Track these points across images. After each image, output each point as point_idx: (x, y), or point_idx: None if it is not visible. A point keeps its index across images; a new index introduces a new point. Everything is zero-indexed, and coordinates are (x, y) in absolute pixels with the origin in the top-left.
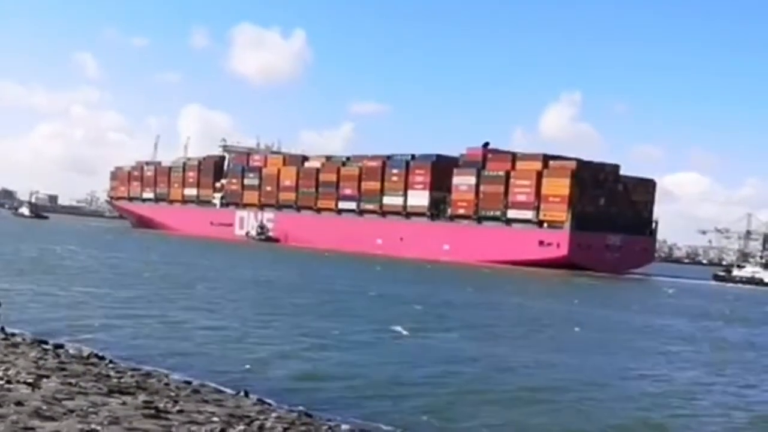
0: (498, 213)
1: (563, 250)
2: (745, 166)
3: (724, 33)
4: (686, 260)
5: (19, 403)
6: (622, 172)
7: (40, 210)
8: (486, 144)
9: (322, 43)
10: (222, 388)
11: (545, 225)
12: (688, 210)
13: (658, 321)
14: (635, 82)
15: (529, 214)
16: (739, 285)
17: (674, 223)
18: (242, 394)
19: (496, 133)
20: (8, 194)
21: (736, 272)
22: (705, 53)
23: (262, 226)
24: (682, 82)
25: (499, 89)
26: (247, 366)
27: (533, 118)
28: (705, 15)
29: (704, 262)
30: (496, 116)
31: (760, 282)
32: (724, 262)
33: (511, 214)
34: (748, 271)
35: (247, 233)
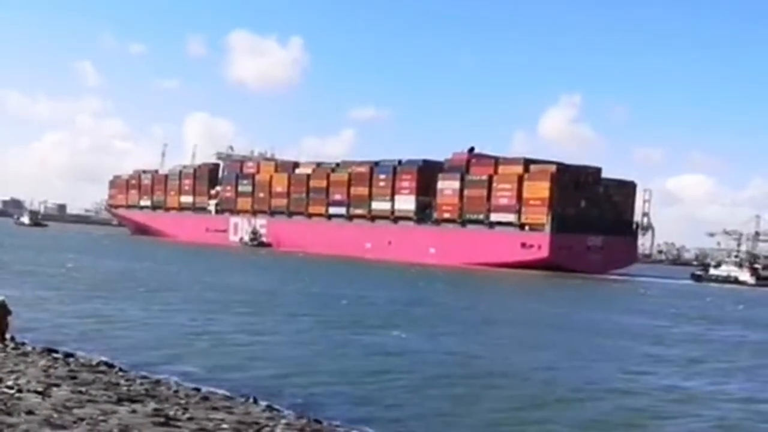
0: (481, 216)
1: (544, 252)
2: (749, 167)
3: (725, 34)
4: (695, 262)
5: (29, 412)
6: (624, 175)
7: (45, 219)
8: (471, 149)
9: (319, 50)
10: (231, 395)
11: (527, 227)
12: (695, 212)
13: (617, 319)
14: (635, 83)
15: (511, 217)
16: (715, 284)
17: (681, 226)
18: (251, 400)
19: (495, 136)
20: (17, 203)
21: (712, 271)
22: (705, 54)
23: (254, 232)
24: (683, 83)
25: (498, 92)
26: (256, 372)
27: (533, 121)
28: (705, 16)
29: (713, 264)
30: (496, 119)
31: (735, 280)
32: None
33: (494, 217)
34: (723, 270)
35: (241, 239)
